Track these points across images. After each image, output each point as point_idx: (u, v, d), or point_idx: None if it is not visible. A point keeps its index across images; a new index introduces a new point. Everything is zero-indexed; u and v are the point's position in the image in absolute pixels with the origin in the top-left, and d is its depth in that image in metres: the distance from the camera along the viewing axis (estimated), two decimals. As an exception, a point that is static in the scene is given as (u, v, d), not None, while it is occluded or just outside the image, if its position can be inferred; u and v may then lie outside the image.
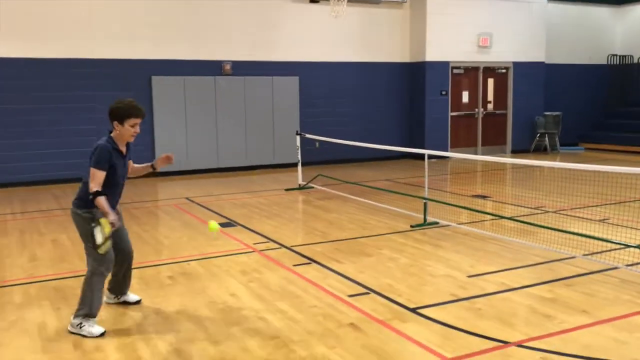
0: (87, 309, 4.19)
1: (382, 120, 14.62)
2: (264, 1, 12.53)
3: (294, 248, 6.39)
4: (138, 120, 4.30)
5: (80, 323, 4.17)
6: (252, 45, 12.99)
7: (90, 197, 4.10)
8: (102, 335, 4.14)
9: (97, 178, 4.13)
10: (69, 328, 4.22)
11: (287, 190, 10.38)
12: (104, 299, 4.57)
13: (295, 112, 13.47)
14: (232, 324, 4.29)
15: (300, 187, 10.41)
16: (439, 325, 4.19)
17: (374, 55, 14.37)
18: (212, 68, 12.66)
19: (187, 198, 9.48)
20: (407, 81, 14.82)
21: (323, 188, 10.23)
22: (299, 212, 8.83)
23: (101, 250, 4.07)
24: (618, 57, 17.75)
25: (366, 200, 8.98)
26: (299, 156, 10.64)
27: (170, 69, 12.20)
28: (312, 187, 10.36)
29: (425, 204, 7.53)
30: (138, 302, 4.78)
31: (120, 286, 4.72)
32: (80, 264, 5.91)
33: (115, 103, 4.31)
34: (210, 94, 12.60)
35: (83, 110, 11.58)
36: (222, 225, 7.58)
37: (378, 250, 6.29)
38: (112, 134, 4.32)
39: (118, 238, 4.43)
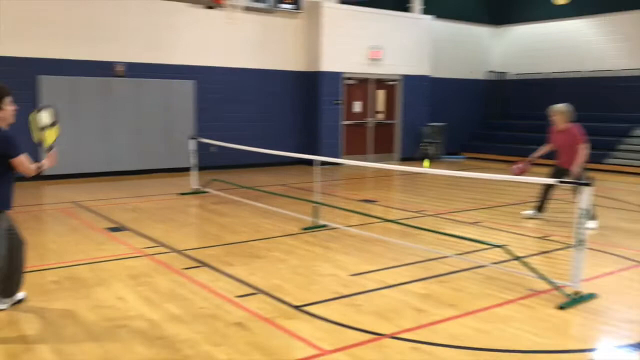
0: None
1: (278, 127, 14.88)
2: (160, 4, 12.40)
3: (185, 252, 6.44)
4: (11, 98, 4.32)
5: None
6: (148, 48, 12.79)
7: (38, 173, 4.37)
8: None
9: (25, 163, 4.31)
10: None
11: (181, 194, 10.33)
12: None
13: (191, 116, 13.40)
14: (118, 326, 4.31)
15: (195, 192, 10.41)
16: (321, 321, 4.45)
17: (271, 62, 14.61)
18: (105, 69, 12.32)
19: (74, 202, 9.19)
20: (303, 89, 15.19)
21: (218, 192, 10.29)
22: (192, 216, 8.84)
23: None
24: (496, 74, 19.23)
25: (260, 205, 9.16)
26: (194, 160, 10.63)
27: (59, 69, 11.74)
28: (207, 192, 10.39)
29: (315, 207, 7.84)
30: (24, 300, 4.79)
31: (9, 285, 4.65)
32: None
33: None
34: (102, 96, 12.25)
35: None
36: (112, 230, 7.48)
37: (269, 252, 6.49)
38: None
39: (16, 242, 4.55)
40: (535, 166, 8.23)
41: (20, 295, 4.75)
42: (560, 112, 8.07)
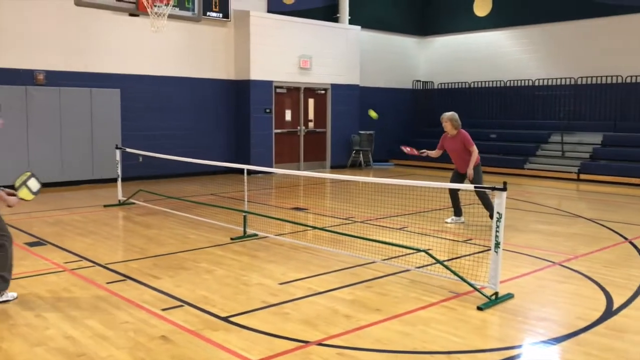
0: (6, 283, 4.97)
1: (209, 135, 14.73)
2: (81, 11, 11.96)
3: (108, 266, 6.27)
4: None
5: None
6: (69, 55, 12.38)
7: None
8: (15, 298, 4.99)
9: None
10: None
11: (105, 206, 10.04)
12: None
13: (116, 125, 13.05)
14: (35, 344, 4.15)
15: (121, 203, 10.14)
16: (247, 331, 4.44)
17: (200, 71, 14.47)
18: (23, 77, 11.82)
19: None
20: (233, 98, 15.12)
21: (145, 204, 10.07)
22: (117, 229, 8.60)
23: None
24: (421, 83, 19.81)
25: (188, 215, 9.03)
26: (119, 171, 10.34)
27: (-29, 77, 11.19)
28: (134, 203, 10.14)
29: (245, 217, 7.81)
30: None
31: None
32: None
33: None
34: (20, 105, 11.73)
35: None
36: (31, 245, 7.17)
37: (196, 263, 6.41)
38: None
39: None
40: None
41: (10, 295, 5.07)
42: (450, 119, 8.61)
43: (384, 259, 6.44)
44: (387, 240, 7.14)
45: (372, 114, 5.76)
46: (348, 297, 5.27)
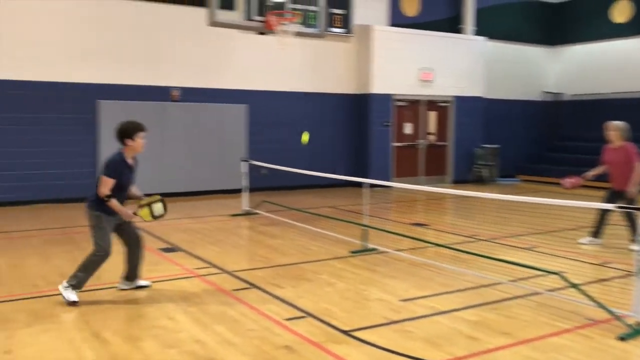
0: (77, 282, 5.33)
1: (328, 149, 14.95)
2: (214, 31, 12.68)
3: (235, 273, 6.51)
4: (144, 134, 5.45)
5: (68, 287, 5.30)
6: (202, 73, 13.15)
7: (105, 200, 5.24)
8: (74, 303, 5.23)
9: (106, 184, 5.25)
10: (60, 286, 5.36)
11: (232, 216, 10.48)
12: (119, 286, 5.74)
13: (242, 139, 13.64)
14: (168, 346, 4.38)
15: (246, 213, 10.54)
16: (369, 347, 4.39)
17: (321, 86, 14.76)
18: (161, 94, 12.73)
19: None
20: (353, 112, 15.25)
21: (268, 214, 10.39)
22: (242, 238, 8.94)
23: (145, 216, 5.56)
24: (552, 94, 18.78)
25: (309, 227, 9.18)
26: (245, 182, 10.78)
27: (118, 94, 12.21)
28: (258, 213, 10.51)
29: (364, 230, 7.79)
30: (149, 286, 5.82)
31: (134, 273, 5.73)
32: (17, 288, 5.88)
33: (121, 125, 5.43)
34: (158, 120, 12.62)
35: (23, 133, 11.44)
36: (165, 250, 7.64)
37: (317, 275, 6.48)
38: (121, 150, 5.40)
39: (126, 231, 5.59)
40: (589, 189, 8.00)
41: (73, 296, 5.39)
42: (617, 128, 7.93)
43: (511, 280, 6.13)
44: (515, 260, 6.79)
45: (304, 137, 5.60)
46: (473, 318, 5.06)
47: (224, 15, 9.87)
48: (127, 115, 11.98)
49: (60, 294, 5.33)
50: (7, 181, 11.33)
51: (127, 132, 5.38)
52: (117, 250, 5.66)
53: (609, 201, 7.67)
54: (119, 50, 12.21)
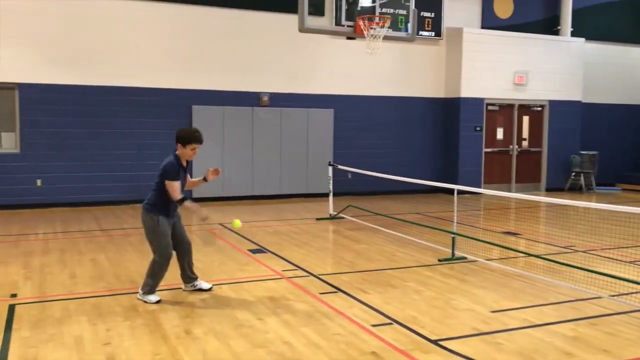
0: (149, 288, 5.55)
1: (415, 154, 14.76)
2: (302, 36, 12.92)
3: (321, 276, 6.55)
4: (197, 145, 5.59)
5: (144, 295, 5.53)
6: (290, 78, 13.38)
7: (178, 204, 5.50)
8: (158, 302, 5.48)
9: (175, 188, 5.44)
10: (138, 296, 5.60)
11: (318, 219, 10.56)
12: (183, 288, 5.91)
13: (329, 143, 13.74)
14: (257, 346, 4.46)
15: (331, 217, 10.59)
16: (459, 358, 4.27)
17: (409, 89, 14.60)
18: (250, 99, 13.07)
19: (220, 224, 9.76)
20: (442, 116, 14.97)
21: (353, 219, 10.38)
22: (328, 242, 8.99)
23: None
24: (658, 98, 17.56)
25: (395, 233, 9.09)
26: (331, 186, 10.84)
27: (210, 99, 12.66)
28: (343, 218, 10.53)
29: (453, 238, 7.61)
30: (210, 289, 5.92)
31: (187, 275, 5.88)
32: (116, 283, 6.21)
33: (181, 130, 5.66)
34: (247, 124, 12.98)
35: (126, 136, 12.11)
36: (253, 252, 7.81)
37: (404, 282, 6.39)
38: (177, 153, 5.59)
39: (177, 234, 5.72)
40: None
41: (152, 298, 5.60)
42: None
43: (612, 295, 5.76)
44: (615, 274, 6.38)
45: (236, 223, 5.52)
46: (569, 334, 4.80)
47: (313, 21, 9.98)
48: (218, 120, 12.62)
49: (141, 301, 5.55)
50: (114, 182, 12.02)
51: (182, 138, 5.55)
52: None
53: None
54: (211, 57, 12.65)
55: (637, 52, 17.41)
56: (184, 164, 5.65)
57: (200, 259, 7.40)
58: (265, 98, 13.19)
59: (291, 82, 13.39)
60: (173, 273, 5.95)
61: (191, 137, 5.55)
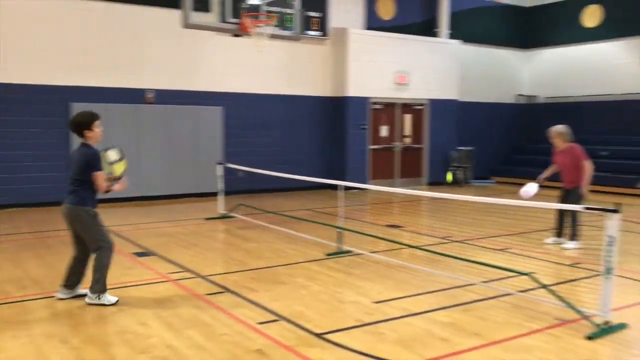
0: (101, 286, 5.37)
1: (305, 152, 14.96)
2: (189, 33, 12.64)
3: (209, 277, 6.47)
4: (100, 122, 5.47)
5: (98, 296, 5.35)
6: (176, 75, 13.06)
7: (107, 192, 5.42)
8: (117, 302, 5.38)
9: (103, 178, 5.35)
10: (88, 300, 5.36)
11: (207, 219, 10.42)
12: (59, 295, 5.55)
13: (219, 141, 13.58)
14: (139, 352, 4.33)
15: (221, 216, 10.49)
16: (342, 350, 4.40)
17: (298, 88, 14.76)
18: (134, 96, 12.61)
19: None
20: (330, 114, 15.28)
21: (244, 217, 10.35)
22: (218, 242, 8.90)
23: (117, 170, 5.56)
24: (526, 97, 19.05)
25: (285, 230, 9.17)
26: (221, 185, 10.73)
27: (90, 96, 12.04)
28: (234, 217, 10.46)
29: (339, 233, 7.81)
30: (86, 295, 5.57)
31: (76, 279, 5.58)
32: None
33: (76, 117, 5.46)
34: (132, 122, 12.51)
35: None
36: (139, 255, 7.57)
37: (292, 278, 6.47)
38: (87, 142, 5.40)
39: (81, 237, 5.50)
40: (545, 189, 8.19)
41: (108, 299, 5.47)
42: (558, 133, 8.22)
43: (484, 282, 6.19)
44: (488, 261, 6.87)
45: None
46: (445, 320, 5.10)
47: (198, 17, 9.81)
48: (100, 118, 12.05)
49: (96, 305, 5.37)
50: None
51: (84, 124, 5.39)
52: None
53: (563, 201, 8.08)
54: (91, 52, 12.06)
55: (507, 54, 18.76)
56: None
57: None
58: (151, 95, 12.79)
59: (178, 79, 13.08)
60: (52, 281, 5.63)
61: (92, 116, 5.44)
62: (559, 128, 8.24)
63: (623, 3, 16.53)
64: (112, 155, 5.60)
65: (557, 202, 7.90)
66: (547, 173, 8.38)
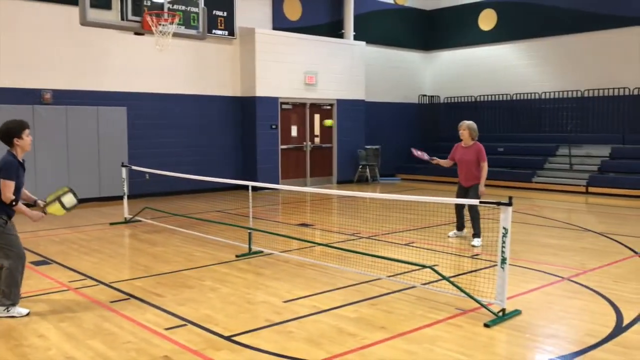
0: (11, 301, 5.13)
1: (216, 152, 14.76)
2: (87, 31, 12.11)
3: (112, 284, 6.24)
4: (29, 130, 5.36)
5: (7, 309, 5.11)
6: (76, 74, 12.48)
7: (12, 204, 5.09)
8: (28, 314, 5.15)
9: (10, 188, 5.10)
10: None
11: (112, 224, 10.04)
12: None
13: (123, 143, 13.10)
14: (36, 366, 4.12)
15: (127, 221, 10.13)
16: (251, 351, 4.39)
17: (206, 88, 14.54)
18: (30, 96, 11.92)
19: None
20: (239, 114, 15.17)
21: (151, 221, 10.06)
22: (123, 247, 8.58)
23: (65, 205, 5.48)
24: (428, 97, 19.81)
25: (194, 232, 9.01)
26: (125, 189, 10.36)
27: (-21, 96, 11.28)
28: (140, 221, 10.13)
29: (250, 233, 7.77)
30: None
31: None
32: None
33: (5, 125, 5.25)
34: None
35: None
36: (36, 264, 7.17)
37: (201, 281, 6.37)
38: (12, 151, 5.23)
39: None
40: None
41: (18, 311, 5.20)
42: (469, 127, 8.39)
43: (390, 276, 6.37)
44: (393, 256, 7.08)
45: (328, 123, 5.87)
46: (353, 315, 5.21)
47: (97, 15, 9.44)
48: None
49: (7, 317, 5.10)
50: None
51: (13, 131, 5.22)
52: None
53: (459, 195, 8.41)
54: (-20, 50, 11.29)
55: (409, 56, 19.43)
56: (23, 161, 5.32)
57: None
58: (48, 95, 12.14)
59: (78, 79, 12.49)
60: None
61: (22, 125, 5.29)
62: (470, 122, 8.41)
63: (514, 8, 17.56)
64: (69, 201, 5.56)
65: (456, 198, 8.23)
66: (440, 161, 8.71)
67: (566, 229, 9.63)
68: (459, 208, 8.69)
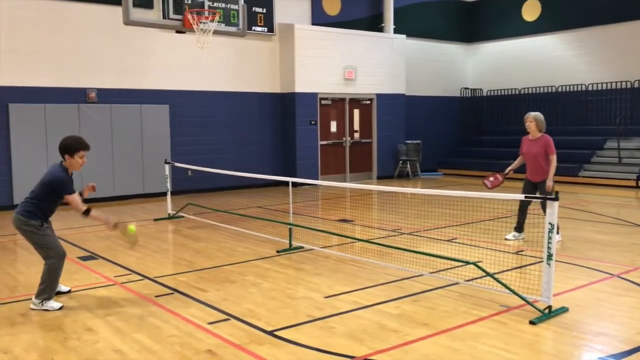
0: (47, 295, 5.29)
1: (255, 149, 14.87)
2: (130, 30, 12.35)
3: (157, 279, 6.35)
4: (86, 153, 5.43)
5: (42, 302, 5.27)
6: (119, 73, 12.75)
7: (83, 215, 5.37)
8: (61, 308, 5.29)
9: (77, 200, 5.31)
10: (32, 306, 5.29)
11: (155, 220, 10.23)
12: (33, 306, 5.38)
13: (165, 140, 13.33)
14: (85, 358, 4.22)
15: (170, 217, 10.31)
16: (293, 346, 4.40)
17: (246, 85, 14.65)
18: (76, 95, 12.23)
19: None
20: (279, 111, 15.23)
21: (193, 217, 10.20)
22: (166, 242, 8.74)
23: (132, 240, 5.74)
24: (470, 90, 19.48)
25: (235, 228, 9.10)
26: (169, 185, 10.54)
27: (29, 96, 11.63)
28: (182, 217, 10.30)
29: (290, 229, 7.80)
30: (69, 292, 5.79)
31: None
32: None
33: (65, 139, 5.39)
34: (73, 123, 12.11)
35: None
36: (83, 259, 7.37)
37: (242, 276, 6.43)
38: (63, 164, 5.36)
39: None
40: (509, 180, 8.27)
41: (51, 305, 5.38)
42: (536, 119, 7.94)
43: (432, 272, 6.30)
44: (435, 252, 6.99)
45: (131, 229, 5.97)
46: (395, 311, 5.17)
47: (140, 14, 9.60)
48: (39, 119, 11.64)
49: (41, 310, 5.29)
50: None
51: (68, 148, 5.35)
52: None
53: (527, 193, 7.70)
54: (29, 51, 11.63)
55: (450, 48, 19.13)
56: (70, 174, 5.45)
57: (23, 271, 6.85)
58: (93, 94, 12.44)
59: (121, 78, 12.75)
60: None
61: (79, 145, 5.38)
62: (536, 114, 7.97)
63: (560, -2, 17.10)
64: (133, 228, 5.88)
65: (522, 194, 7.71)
66: (513, 165, 8.11)
67: (615, 225, 9.34)
68: (524, 206, 8.02)
